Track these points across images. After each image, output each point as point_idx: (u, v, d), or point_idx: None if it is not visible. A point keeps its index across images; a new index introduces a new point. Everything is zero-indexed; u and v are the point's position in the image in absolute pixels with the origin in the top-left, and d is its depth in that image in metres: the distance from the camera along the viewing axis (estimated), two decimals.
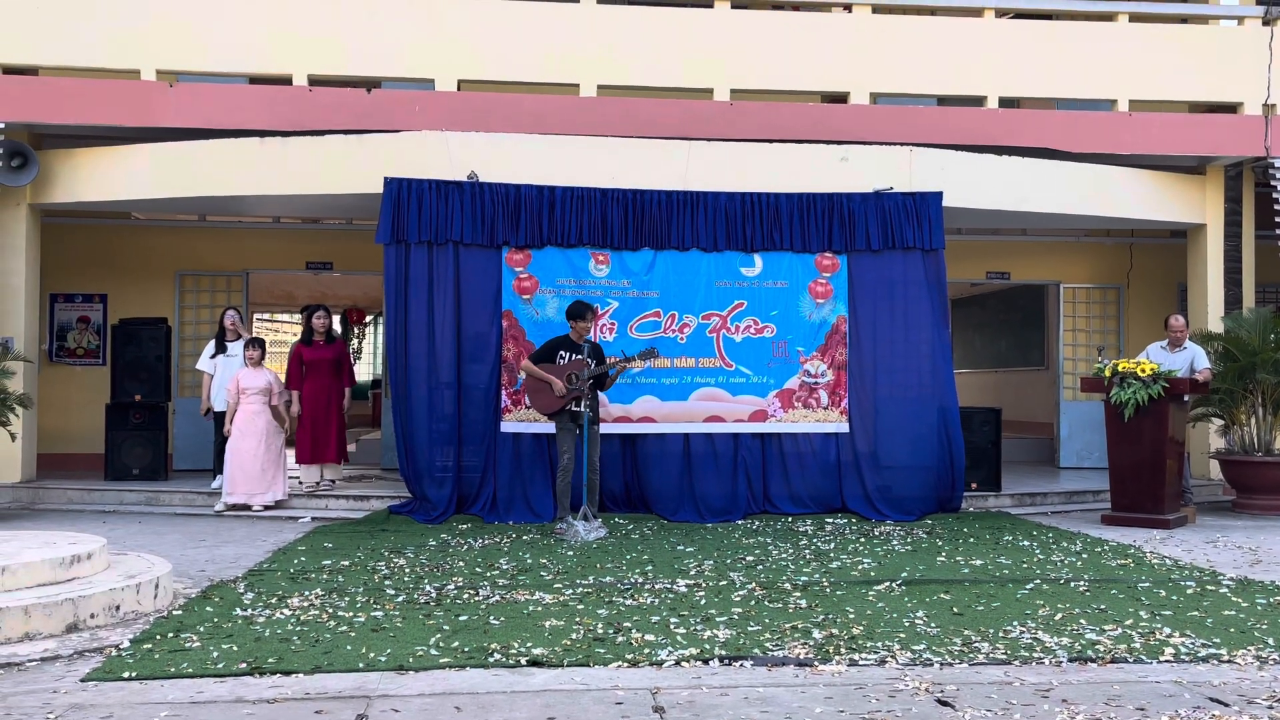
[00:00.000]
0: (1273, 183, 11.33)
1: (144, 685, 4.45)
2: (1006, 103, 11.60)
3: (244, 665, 4.68)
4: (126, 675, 4.55)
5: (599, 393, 8.98)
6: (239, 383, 9.81)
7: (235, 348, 10.36)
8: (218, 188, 10.21)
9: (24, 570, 5.41)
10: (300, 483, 10.46)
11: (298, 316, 23.95)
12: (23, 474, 10.53)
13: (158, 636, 5.16)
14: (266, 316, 24.33)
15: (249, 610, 5.74)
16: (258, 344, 10.09)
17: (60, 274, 12.11)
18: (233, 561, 7.36)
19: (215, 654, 4.86)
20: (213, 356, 10.50)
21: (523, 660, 4.79)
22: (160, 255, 12.58)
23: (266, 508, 9.74)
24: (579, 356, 8.74)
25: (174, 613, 5.69)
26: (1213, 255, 11.77)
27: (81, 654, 4.92)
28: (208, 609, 5.78)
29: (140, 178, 10.35)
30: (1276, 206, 11.27)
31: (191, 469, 11.72)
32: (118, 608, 5.49)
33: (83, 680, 4.52)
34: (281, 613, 5.69)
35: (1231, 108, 11.67)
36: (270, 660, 4.76)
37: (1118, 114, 11.40)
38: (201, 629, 5.32)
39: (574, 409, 8.71)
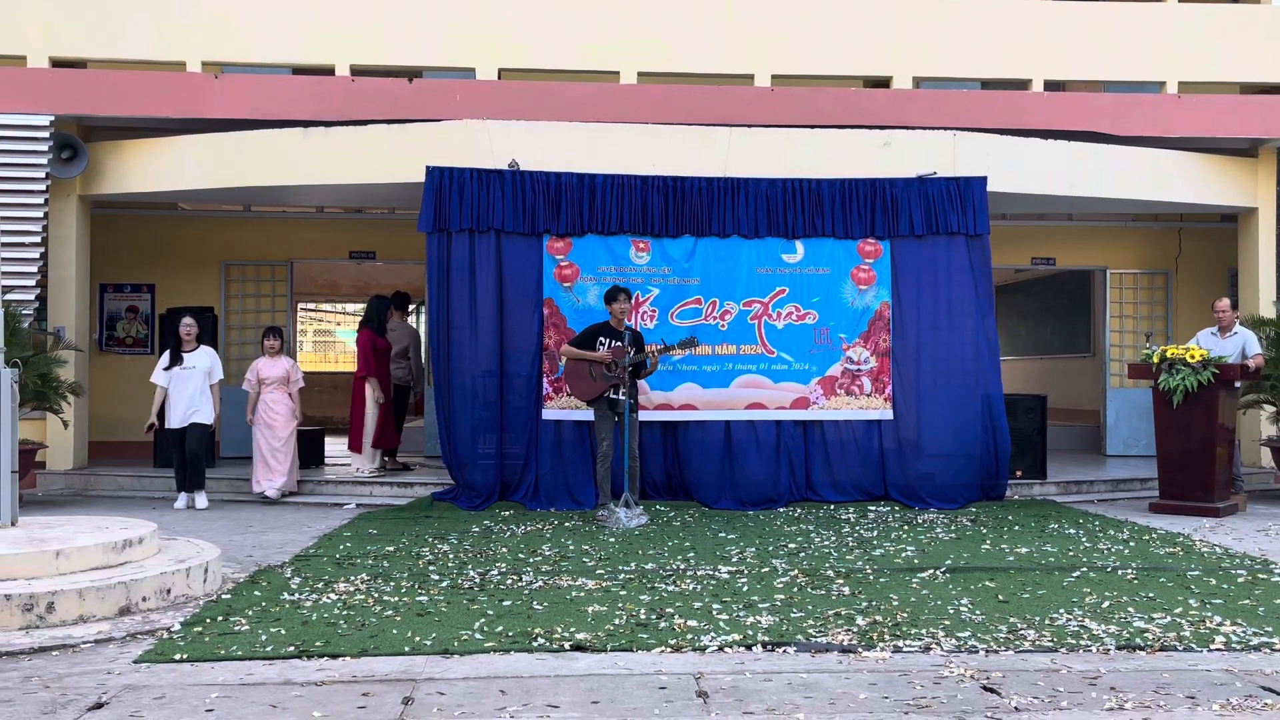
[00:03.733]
0: None
1: (195, 667, 4.52)
2: (1052, 86, 11.45)
3: (292, 648, 4.74)
4: (178, 657, 4.63)
5: (639, 380, 8.98)
6: (259, 372, 9.91)
7: (192, 359, 9.57)
8: (262, 178, 10.33)
9: (78, 554, 5.51)
10: (357, 470, 10.53)
11: (340, 306, 24.23)
12: (74, 461, 10.74)
13: (208, 620, 5.24)
14: (311, 306, 24.56)
15: (296, 595, 5.81)
16: (276, 333, 10.16)
17: (109, 264, 12.29)
18: (279, 547, 7.46)
19: (264, 637, 4.93)
20: (166, 369, 9.55)
21: (566, 645, 4.82)
22: (206, 245, 12.74)
23: (285, 494, 9.83)
24: (619, 343, 8.75)
25: (223, 597, 5.77)
26: (1264, 239, 11.55)
27: (134, 636, 5.01)
28: (256, 593, 5.86)
29: (187, 168, 10.49)
30: None
31: (238, 456, 11.86)
32: (169, 591, 5.58)
33: (135, 661, 4.60)
34: (328, 597, 5.76)
35: None
36: (318, 643, 4.82)
37: (1167, 96, 11.22)
38: (250, 613, 5.40)
39: (612, 396, 8.72)
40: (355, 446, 10.73)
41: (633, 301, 9.26)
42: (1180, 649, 4.82)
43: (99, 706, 4.02)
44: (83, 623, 5.13)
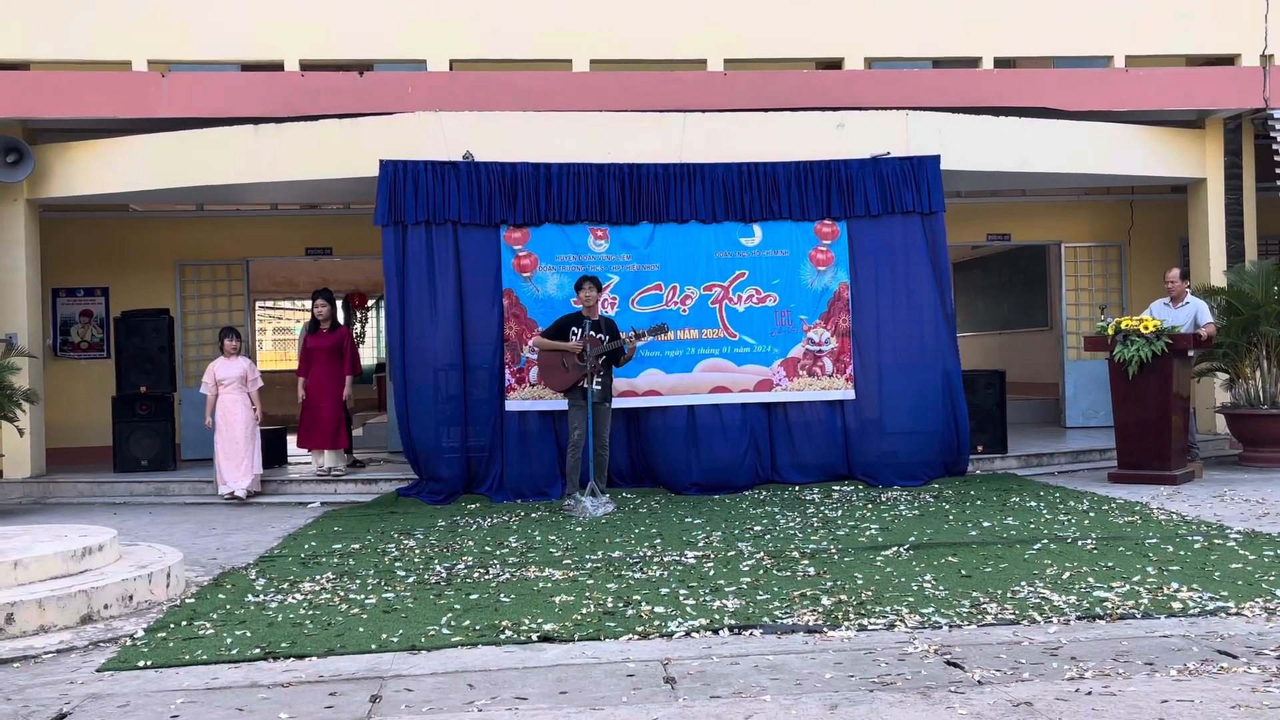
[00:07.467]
0: (1272, 134, 11.25)
1: (159, 673, 4.49)
2: (1002, 63, 11.53)
3: (258, 650, 4.71)
4: (142, 664, 4.58)
5: (613, 368, 8.95)
6: (215, 374, 9.84)
7: None
8: (214, 176, 10.20)
9: (36, 564, 5.44)
10: (319, 469, 10.46)
11: (299, 304, 24.01)
12: (32, 469, 10.58)
13: (171, 625, 5.20)
14: (270, 304, 24.34)
15: (261, 596, 5.77)
16: (234, 333, 10.10)
17: (61, 268, 12.11)
18: (244, 549, 7.40)
19: (229, 640, 4.89)
20: None
21: (534, 636, 4.82)
22: (160, 246, 12.58)
23: (250, 495, 9.77)
24: (591, 333, 8.72)
25: (187, 601, 5.73)
26: (1214, 209, 11.72)
27: (96, 644, 4.96)
28: (220, 596, 5.81)
29: (136, 169, 10.34)
30: (1277, 158, 11.20)
31: (199, 458, 11.75)
32: (131, 598, 5.53)
33: (98, 670, 4.55)
34: (293, 597, 5.73)
35: (1229, 60, 11.60)
36: (283, 644, 4.79)
37: (1115, 70, 11.33)
38: (215, 616, 5.36)
39: (585, 386, 8.68)
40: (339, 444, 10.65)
41: (600, 291, 9.18)
42: (1139, 616, 4.91)
43: (62, 717, 3.98)
44: (44, 633, 5.07)
